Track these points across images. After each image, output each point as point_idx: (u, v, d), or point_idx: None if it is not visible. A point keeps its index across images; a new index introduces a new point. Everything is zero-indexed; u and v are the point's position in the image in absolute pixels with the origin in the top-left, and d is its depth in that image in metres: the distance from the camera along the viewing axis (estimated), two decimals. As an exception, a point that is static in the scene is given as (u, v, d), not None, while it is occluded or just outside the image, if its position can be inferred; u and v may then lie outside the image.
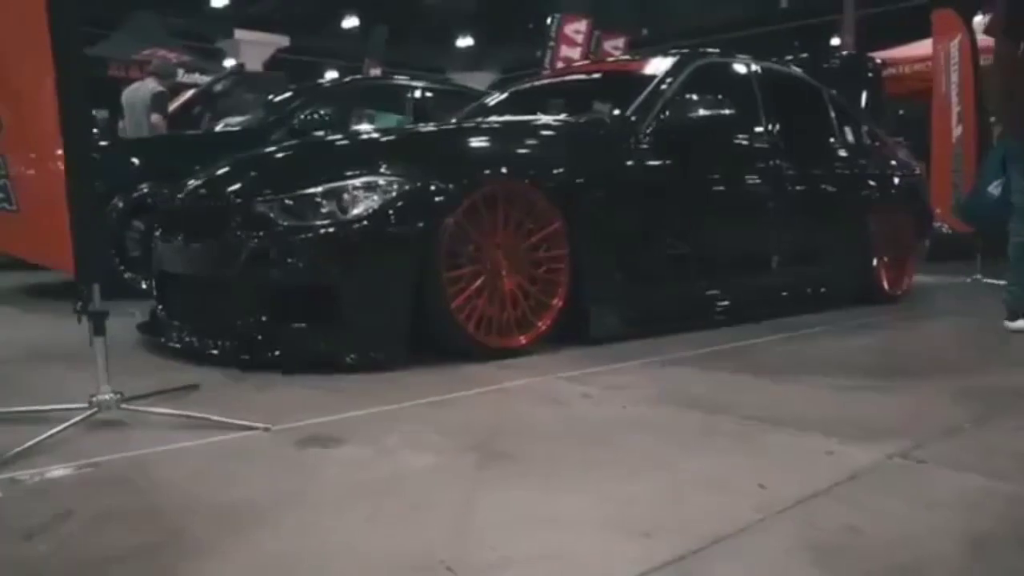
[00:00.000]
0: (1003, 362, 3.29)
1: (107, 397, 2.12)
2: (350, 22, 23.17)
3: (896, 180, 5.01)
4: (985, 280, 5.79)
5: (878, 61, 7.81)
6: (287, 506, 1.58)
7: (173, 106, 7.51)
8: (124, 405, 2.14)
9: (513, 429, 2.15)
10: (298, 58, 19.08)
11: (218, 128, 5.90)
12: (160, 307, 3.32)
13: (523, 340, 3.02)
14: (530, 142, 3.40)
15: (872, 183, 4.77)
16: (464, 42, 25.22)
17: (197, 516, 1.54)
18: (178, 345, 3.00)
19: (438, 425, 2.16)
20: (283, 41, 17.77)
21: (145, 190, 4.77)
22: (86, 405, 2.10)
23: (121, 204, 4.74)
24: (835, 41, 14.69)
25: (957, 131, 6.45)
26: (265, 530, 1.47)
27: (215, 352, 2.86)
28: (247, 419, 2.11)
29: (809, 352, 3.33)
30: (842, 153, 4.76)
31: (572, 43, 11.99)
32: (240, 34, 17.41)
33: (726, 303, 3.86)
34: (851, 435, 2.04)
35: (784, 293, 4.24)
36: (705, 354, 3.18)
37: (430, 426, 2.14)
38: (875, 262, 4.63)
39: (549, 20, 12.11)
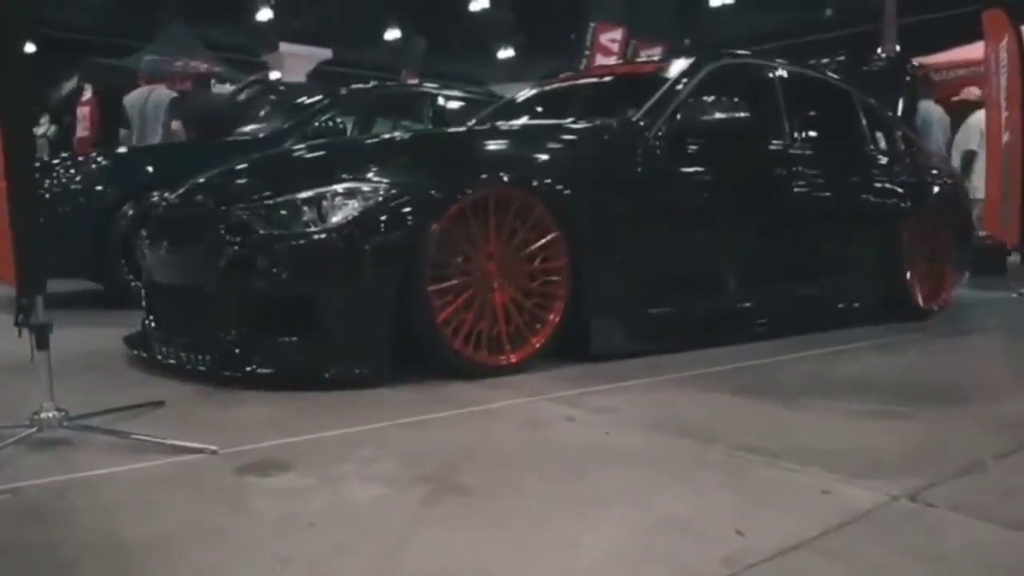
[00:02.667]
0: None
1: (50, 415, 2.00)
2: (392, 34, 23.31)
3: (932, 188, 4.69)
4: (1033, 295, 5.43)
5: (915, 64, 7.43)
6: (200, 543, 1.42)
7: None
8: (68, 424, 2.01)
9: (479, 457, 1.97)
10: (341, 70, 19.22)
11: (233, 136, 5.79)
12: (149, 318, 3.21)
13: (513, 358, 2.82)
14: (528, 147, 3.20)
15: (905, 191, 4.44)
16: (505, 53, 25.19)
17: (96, 554, 1.39)
18: (172, 360, 2.86)
19: (400, 450, 1.98)
20: (326, 53, 17.89)
21: (155, 198, 4.69)
22: (27, 423, 1.98)
23: (131, 212, 4.67)
24: (879, 50, 14.29)
25: (1005, 137, 6.08)
26: (163, 572, 1.31)
27: (202, 368, 2.73)
28: (200, 440, 1.96)
29: (828, 372, 3.07)
30: (873, 159, 4.48)
31: (608, 52, 11.75)
32: (285, 47, 17.58)
33: (763, 319, 3.65)
34: (855, 471, 1.81)
35: (813, 307, 3.98)
36: (715, 372, 2.95)
37: (391, 451, 1.97)
38: (909, 275, 4.32)
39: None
